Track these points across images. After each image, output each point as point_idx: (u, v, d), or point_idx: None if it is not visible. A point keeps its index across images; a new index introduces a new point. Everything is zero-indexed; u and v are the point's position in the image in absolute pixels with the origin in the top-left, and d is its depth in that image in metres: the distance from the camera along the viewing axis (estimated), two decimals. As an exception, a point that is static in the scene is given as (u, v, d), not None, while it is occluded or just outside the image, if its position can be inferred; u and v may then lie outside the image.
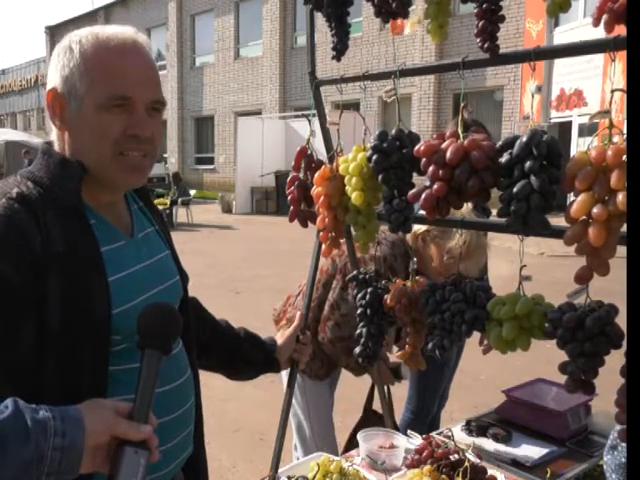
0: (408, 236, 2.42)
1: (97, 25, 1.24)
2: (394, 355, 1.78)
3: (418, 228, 2.39)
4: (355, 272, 1.77)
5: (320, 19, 1.72)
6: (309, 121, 1.79)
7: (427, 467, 1.58)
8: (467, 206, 1.96)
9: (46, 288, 1.05)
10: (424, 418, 3.05)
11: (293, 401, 2.40)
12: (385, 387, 2.24)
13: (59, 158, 1.17)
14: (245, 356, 1.63)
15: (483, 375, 4.60)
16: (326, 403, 2.56)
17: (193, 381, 1.35)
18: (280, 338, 1.72)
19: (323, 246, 1.68)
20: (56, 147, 1.22)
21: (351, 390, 2.52)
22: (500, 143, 1.25)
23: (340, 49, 1.66)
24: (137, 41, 1.19)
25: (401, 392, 2.85)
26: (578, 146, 13.51)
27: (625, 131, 1.02)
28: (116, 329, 1.13)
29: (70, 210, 1.12)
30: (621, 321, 1.10)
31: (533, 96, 14.54)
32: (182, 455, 1.30)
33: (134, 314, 1.10)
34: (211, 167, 24.88)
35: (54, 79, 1.18)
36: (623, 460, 1.41)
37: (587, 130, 13.13)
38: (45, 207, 1.09)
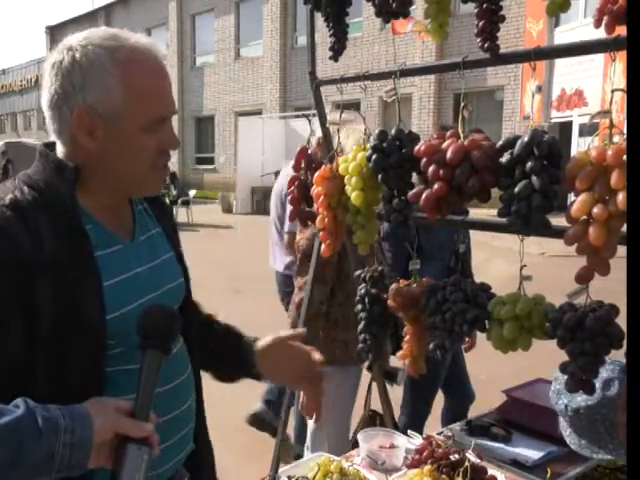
0: None
1: (101, 27, 1.19)
2: (396, 357, 1.77)
3: None
4: (359, 271, 1.77)
5: (320, 19, 1.72)
6: (309, 121, 1.79)
7: (427, 467, 1.58)
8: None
9: (36, 293, 1.05)
10: (421, 422, 3.04)
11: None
12: (383, 387, 2.23)
13: (55, 161, 1.15)
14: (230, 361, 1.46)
15: (483, 375, 4.60)
16: (346, 405, 2.55)
17: (194, 379, 1.35)
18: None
19: (323, 246, 1.68)
20: (61, 154, 1.18)
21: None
22: (501, 143, 1.25)
23: (338, 49, 1.66)
24: (161, 52, 1.19)
25: (396, 395, 2.83)
26: (579, 146, 13.49)
27: (625, 131, 1.02)
28: (111, 334, 1.12)
29: (64, 214, 1.11)
30: (622, 321, 1.10)
31: (533, 96, 14.51)
32: (181, 453, 1.30)
33: (130, 318, 1.09)
34: (211, 167, 24.85)
35: (82, 95, 1.10)
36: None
37: (587, 130, 13.11)
38: (37, 212, 1.08)
